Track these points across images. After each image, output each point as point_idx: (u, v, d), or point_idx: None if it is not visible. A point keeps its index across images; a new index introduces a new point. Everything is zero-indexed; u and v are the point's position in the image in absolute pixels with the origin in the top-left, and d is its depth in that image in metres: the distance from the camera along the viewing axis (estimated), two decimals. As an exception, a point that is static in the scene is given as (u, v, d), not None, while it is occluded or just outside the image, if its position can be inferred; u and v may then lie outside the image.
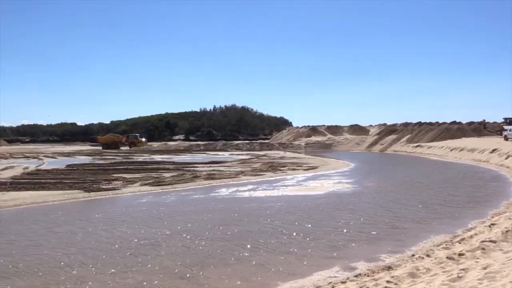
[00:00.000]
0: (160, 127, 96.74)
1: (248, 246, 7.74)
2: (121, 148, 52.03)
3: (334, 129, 63.10)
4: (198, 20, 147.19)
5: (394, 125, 57.38)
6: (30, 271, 6.42)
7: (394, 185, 16.31)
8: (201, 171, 21.63)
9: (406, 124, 55.34)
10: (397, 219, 9.85)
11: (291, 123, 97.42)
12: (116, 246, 7.82)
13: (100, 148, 52.10)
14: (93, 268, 6.52)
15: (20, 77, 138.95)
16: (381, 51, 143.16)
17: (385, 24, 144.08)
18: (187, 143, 65.86)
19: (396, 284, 5.32)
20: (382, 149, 47.57)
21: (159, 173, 20.45)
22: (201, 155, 39.50)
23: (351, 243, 7.86)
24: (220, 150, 50.19)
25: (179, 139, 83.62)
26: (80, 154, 41.30)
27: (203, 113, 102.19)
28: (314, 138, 58.23)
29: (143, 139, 57.43)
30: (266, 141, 65.16)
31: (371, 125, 65.78)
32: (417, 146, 42.03)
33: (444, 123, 52.96)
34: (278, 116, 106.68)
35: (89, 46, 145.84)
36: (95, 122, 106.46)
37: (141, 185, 16.52)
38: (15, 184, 16.43)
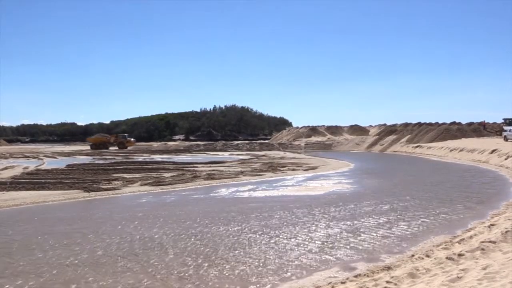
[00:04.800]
0: (160, 127, 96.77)
1: (247, 246, 7.74)
2: (110, 148, 52.07)
3: (334, 130, 63.17)
4: (198, 20, 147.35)
5: (394, 125, 57.47)
6: (31, 270, 6.42)
7: (393, 186, 16.31)
8: (201, 171, 21.64)
9: (406, 125, 55.44)
10: (394, 220, 9.86)
11: (291, 123, 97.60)
12: (115, 245, 7.81)
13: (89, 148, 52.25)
14: (93, 267, 6.52)
15: (20, 77, 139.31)
16: (381, 51, 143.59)
17: (385, 24, 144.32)
18: (187, 143, 65.92)
19: (395, 284, 5.33)
20: (382, 149, 47.58)
21: (159, 173, 20.46)
22: (201, 155, 39.52)
23: (350, 243, 7.86)
24: (220, 150, 50.22)
25: (179, 139, 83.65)
26: (80, 154, 41.31)
27: (203, 113, 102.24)
28: (314, 138, 58.28)
29: (132, 139, 57.86)
30: (266, 141, 65.22)
31: (371, 126, 65.87)
32: (417, 146, 42.04)
33: (444, 123, 53.08)
34: (278, 116, 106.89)
35: (89, 46, 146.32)
36: (95, 122, 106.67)
37: (141, 185, 16.52)
38: (15, 183, 16.43)
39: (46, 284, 5.89)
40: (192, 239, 8.24)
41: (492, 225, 8.35)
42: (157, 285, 5.83)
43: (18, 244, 8.05)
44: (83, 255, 7.20)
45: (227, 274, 6.25)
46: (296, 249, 7.50)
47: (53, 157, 35.47)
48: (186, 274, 6.24)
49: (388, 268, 6.22)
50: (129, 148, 53.04)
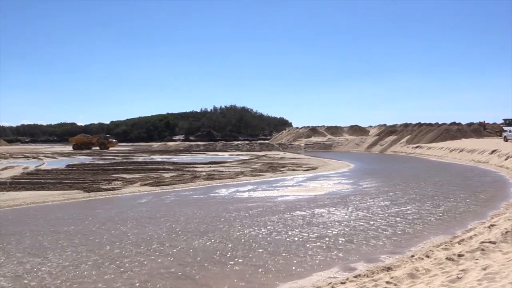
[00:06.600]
0: (160, 127, 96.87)
1: (247, 246, 7.74)
2: (92, 148, 52.18)
3: (334, 130, 63.16)
4: (199, 21, 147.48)
5: (394, 125, 57.45)
6: (32, 271, 6.43)
7: (392, 186, 16.30)
8: (201, 171, 21.64)
9: (406, 125, 55.41)
10: (394, 221, 9.85)
11: (291, 123, 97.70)
12: (119, 244, 7.82)
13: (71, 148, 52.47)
14: (93, 268, 6.52)
15: (20, 77, 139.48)
16: (381, 52, 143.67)
17: (385, 24, 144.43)
18: (187, 144, 65.92)
19: (395, 284, 5.32)
20: (382, 149, 47.58)
21: (158, 173, 20.46)
22: (201, 156, 39.51)
23: (350, 243, 7.86)
24: (220, 150, 50.22)
25: (179, 140, 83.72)
26: (79, 154, 41.30)
27: (203, 114, 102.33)
28: (314, 139, 58.26)
29: (114, 140, 58.29)
30: (266, 141, 65.22)
31: (371, 126, 65.82)
32: (416, 147, 42.05)
33: (443, 124, 53.07)
34: (278, 116, 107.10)
35: (90, 46, 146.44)
36: (95, 122, 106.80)
37: (140, 185, 16.52)
38: (15, 184, 16.43)
39: (63, 285, 5.89)
40: (192, 239, 8.24)
41: (492, 225, 8.35)
42: (164, 283, 5.83)
43: (21, 244, 8.05)
44: (89, 255, 7.19)
45: (227, 274, 6.24)
46: (296, 249, 7.49)
47: (53, 157, 35.45)
48: (190, 272, 6.25)
49: (388, 268, 6.22)
50: (110, 148, 53.28)
